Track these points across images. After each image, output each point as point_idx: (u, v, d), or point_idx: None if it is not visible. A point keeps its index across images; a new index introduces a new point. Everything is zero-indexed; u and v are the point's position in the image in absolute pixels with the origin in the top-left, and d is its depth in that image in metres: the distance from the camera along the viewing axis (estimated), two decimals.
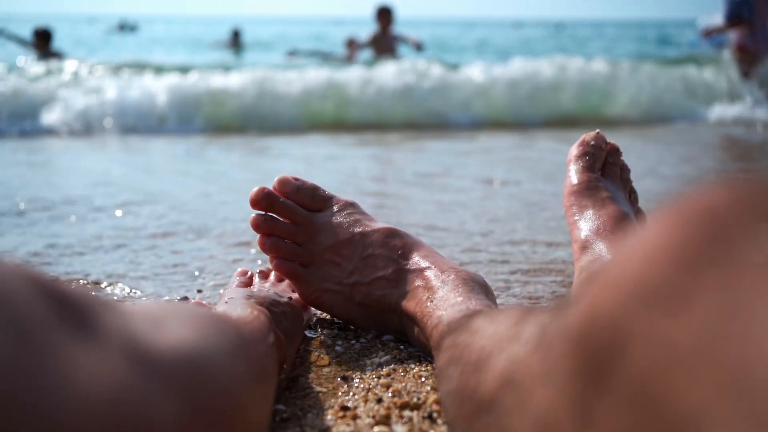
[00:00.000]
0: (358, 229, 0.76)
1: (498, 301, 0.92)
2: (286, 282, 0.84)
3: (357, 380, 0.66)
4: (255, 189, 0.76)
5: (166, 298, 0.95)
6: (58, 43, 6.58)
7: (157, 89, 3.68)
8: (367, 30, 6.17)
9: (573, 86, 4.22)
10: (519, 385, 0.35)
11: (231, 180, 2.11)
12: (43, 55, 5.65)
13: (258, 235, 0.77)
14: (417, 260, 0.73)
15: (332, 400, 0.62)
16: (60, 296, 0.30)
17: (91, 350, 0.29)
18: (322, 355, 0.72)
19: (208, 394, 0.38)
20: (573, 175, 0.85)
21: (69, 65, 4.21)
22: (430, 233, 1.33)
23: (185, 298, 0.95)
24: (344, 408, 0.60)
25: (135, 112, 3.50)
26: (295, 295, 0.79)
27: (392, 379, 0.66)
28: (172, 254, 1.18)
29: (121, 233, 1.33)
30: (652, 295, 0.25)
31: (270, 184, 0.77)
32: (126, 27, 25.86)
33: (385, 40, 5.73)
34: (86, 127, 3.37)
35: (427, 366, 0.69)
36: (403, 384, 0.65)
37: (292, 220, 0.77)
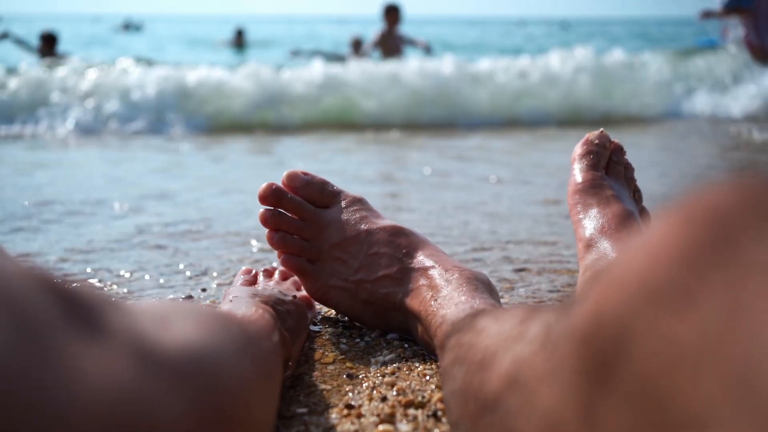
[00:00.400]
0: (364, 227, 0.76)
1: (503, 300, 0.92)
2: (291, 280, 0.84)
3: (361, 378, 0.66)
4: (263, 185, 0.76)
5: (171, 296, 0.96)
6: (65, 44, 6.60)
7: (158, 88, 3.68)
8: (372, 30, 6.16)
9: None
10: (524, 385, 0.35)
11: (236, 178, 2.11)
12: (49, 57, 5.66)
13: (266, 231, 0.78)
14: (421, 259, 0.73)
15: (337, 398, 0.62)
16: (65, 295, 0.30)
17: (96, 349, 0.29)
18: (326, 353, 0.72)
19: (214, 393, 0.38)
20: (577, 173, 0.85)
21: (71, 65, 4.21)
22: (434, 235, 1.33)
23: (190, 297, 0.95)
24: (349, 406, 0.60)
25: (136, 112, 3.50)
26: (300, 294, 0.80)
27: (397, 377, 0.66)
28: (177, 253, 1.18)
29: (125, 232, 1.33)
30: (657, 294, 0.25)
31: (277, 182, 0.78)
32: (131, 26, 25.90)
33: (392, 40, 5.70)
34: (87, 127, 3.37)
35: (431, 364, 0.69)
36: (408, 382, 0.65)
37: (299, 215, 0.77)
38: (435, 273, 0.70)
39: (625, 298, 0.26)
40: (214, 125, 3.52)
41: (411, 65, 4.17)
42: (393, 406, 0.59)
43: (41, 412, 0.24)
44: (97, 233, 1.33)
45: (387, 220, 0.78)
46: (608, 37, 19.31)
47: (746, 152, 2.75)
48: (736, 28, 4.72)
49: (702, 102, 4.16)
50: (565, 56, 4.41)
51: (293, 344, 0.67)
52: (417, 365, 0.69)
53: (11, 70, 3.92)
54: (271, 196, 0.76)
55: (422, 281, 0.70)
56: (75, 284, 0.32)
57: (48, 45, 5.95)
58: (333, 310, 0.85)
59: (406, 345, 0.74)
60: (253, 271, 0.84)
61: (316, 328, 0.79)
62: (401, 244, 0.75)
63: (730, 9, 4.50)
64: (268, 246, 1.22)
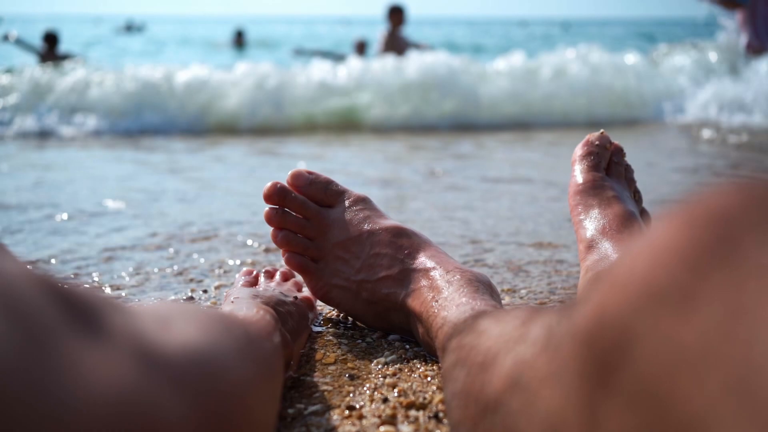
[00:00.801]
0: (366, 227, 0.76)
1: (504, 301, 0.92)
2: (292, 281, 0.84)
3: (363, 379, 0.66)
4: (268, 183, 0.77)
5: (172, 298, 0.96)
6: (67, 45, 6.60)
7: (160, 88, 3.68)
8: (374, 31, 6.15)
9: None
10: (526, 387, 0.35)
11: (237, 179, 2.11)
12: (50, 59, 5.65)
13: (271, 229, 0.78)
14: (423, 260, 0.73)
15: (338, 400, 0.62)
16: (67, 297, 0.30)
17: (98, 350, 0.29)
18: (327, 354, 0.72)
19: (216, 394, 0.38)
20: (578, 174, 0.85)
21: (71, 66, 4.21)
22: (435, 235, 1.33)
23: (191, 299, 0.95)
24: (350, 408, 0.60)
25: (138, 112, 3.50)
26: (301, 295, 0.80)
27: (398, 378, 0.66)
28: (177, 254, 1.18)
29: (125, 234, 1.33)
30: (659, 296, 0.25)
31: (282, 181, 0.79)
32: (133, 27, 25.92)
33: (396, 41, 5.68)
34: (88, 129, 3.37)
35: (433, 365, 0.69)
36: (409, 384, 0.65)
37: (303, 214, 0.78)
38: (436, 274, 0.70)
39: (627, 300, 0.26)
40: (214, 126, 3.51)
41: (415, 62, 4.14)
42: (394, 408, 0.59)
43: (42, 414, 0.24)
44: (98, 234, 1.33)
45: (390, 221, 0.78)
46: (608, 37, 19.29)
47: (692, 156, 2.75)
48: (739, 35, 4.68)
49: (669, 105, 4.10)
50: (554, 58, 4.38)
51: (294, 345, 0.67)
52: (418, 366, 0.69)
53: (10, 70, 3.93)
54: (276, 195, 0.77)
55: (423, 282, 0.70)
56: (76, 286, 0.32)
57: (50, 46, 5.95)
58: (334, 311, 0.85)
59: (407, 346, 0.74)
60: (254, 272, 0.84)
61: (317, 329, 0.79)
62: (403, 245, 0.75)
63: (726, 1, 4.48)
64: (267, 247, 1.22)
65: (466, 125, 3.69)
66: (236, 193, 1.83)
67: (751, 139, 3.06)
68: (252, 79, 3.81)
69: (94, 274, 1.07)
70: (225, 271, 1.08)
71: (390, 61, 4.10)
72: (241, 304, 0.65)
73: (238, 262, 1.13)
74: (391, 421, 0.57)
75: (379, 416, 0.58)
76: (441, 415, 0.58)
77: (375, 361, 0.70)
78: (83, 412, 0.26)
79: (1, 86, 3.66)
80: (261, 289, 0.76)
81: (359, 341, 0.76)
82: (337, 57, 6.41)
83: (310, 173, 0.79)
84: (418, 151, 2.86)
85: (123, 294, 0.98)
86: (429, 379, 0.66)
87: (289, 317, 0.69)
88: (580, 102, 4.03)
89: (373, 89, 3.84)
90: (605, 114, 3.95)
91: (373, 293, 0.74)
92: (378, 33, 5.98)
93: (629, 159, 0.90)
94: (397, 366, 0.69)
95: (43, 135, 3.28)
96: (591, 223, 0.79)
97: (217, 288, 0.99)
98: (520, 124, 3.77)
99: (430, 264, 0.72)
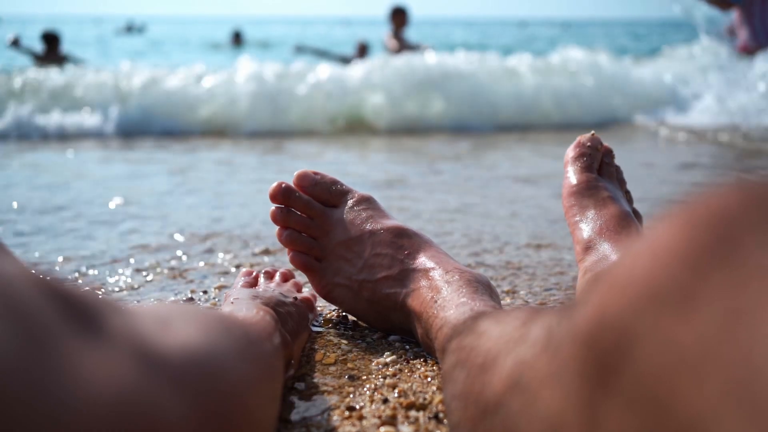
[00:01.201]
0: (368, 227, 0.77)
1: (504, 302, 0.92)
2: (291, 282, 0.84)
3: (363, 380, 0.66)
4: (274, 183, 0.79)
5: (172, 299, 0.96)
6: (68, 45, 6.54)
7: (161, 90, 3.68)
8: (372, 31, 6.14)
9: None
10: (526, 388, 0.35)
11: (238, 181, 2.11)
12: (50, 60, 5.59)
13: (276, 229, 0.80)
14: (422, 260, 0.73)
15: (338, 400, 0.62)
16: (66, 298, 0.30)
17: (97, 351, 0.29)
18: (328, 354, 0.72)
19: (216, 395, 0.38)
20: (572, 175, 0.85)
21: (71, 68, 4.21)
22: (436, 236, 1.33)
23: (191, 299, 0.95)
24: (350, 408, 0.60)
25: (139, 112, 3.50)
26: (300, 295, 0.80)
27: (398, 379, 0.66)
28: (178, 255, 1.18)
29: (126, 235, 1.33)
30: (659, 297, 0.25)
31: (288, 181, 0.80)
32: (133, 28, 25.91)
33: (398, 43, 5.65)
34: (88, 130, 3.37)
35: (433, 366, 0.69)
36: (410, 384, 0.64)
37: (307, 214, 0.79)
38: (435, 274, 0.70)
39: (627, 301, 0.26)
40: (214, 127, 3.51)
41: (416, 63, 4.12)
42: (394, 408, 0.59)
43: (42, 414, 0.24)
44: (98, 236, 1.33)
45: (392, 221, 0.78)
46: (609, 38, 19.29)
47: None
48: (733, 40, 4.66)
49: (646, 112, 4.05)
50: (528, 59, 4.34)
51: (294, 346, 0.67)
52: (418, 367, 0.69)
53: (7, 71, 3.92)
54: (281, 195, 0.79)
55: (423, 282, 0.71)
56: (75, 287, 0.32)
57: (51, 46, 5.85)
58: (334, 312, 0.85)
59: (407, 346, 0.74)
60: (254, 273, 0.84)
61: (317, 329, 0.79)
62: (403, 245, 0.75)
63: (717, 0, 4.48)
64: (267, 248, 1.22)
65: (466, 126, 3.69)
66: (237, 193, 1.83)
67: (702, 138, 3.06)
68: (252, 80, 3.81)
69: (94, 275, 1.07)
70: (225, 272, 1.08)
71: (392, 62, 4.08)
72: (241, 305, 0.65)
73: (238, 263, 1.13)
74: (391, 421, 0.57)
75: (379, 417, 0.58)
76: (441, 415, 0.58)
77: (375, 361, 0.70)
78: (83, 413, 0.26)
79: None
80: (261, 289, 0.76)
81: (359, 341, 0.76)
82: (337, 58, 6.37)
83: (315, 174, 0.80)
84: (419, 152, 2.86)
85: (123, 295, 0.98)
86: (429, 379, 0.66)
87: (289, 318, 0.69)
88: (583, 103, 4.02)
89: (373, 90, 3.84)
90: (605, 114, 3.95)
91: (374, 293, 0.75)
92: (384, 35, 5.96)
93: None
94: (397, 366, 0.69)
95: (43, 136, 3.28)
96: (587, 224, 0.79)
97: (217, 289, 0.99)
98: (520, 125, 3.76)
99: (429, 264, 0.72)
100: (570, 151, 0.87)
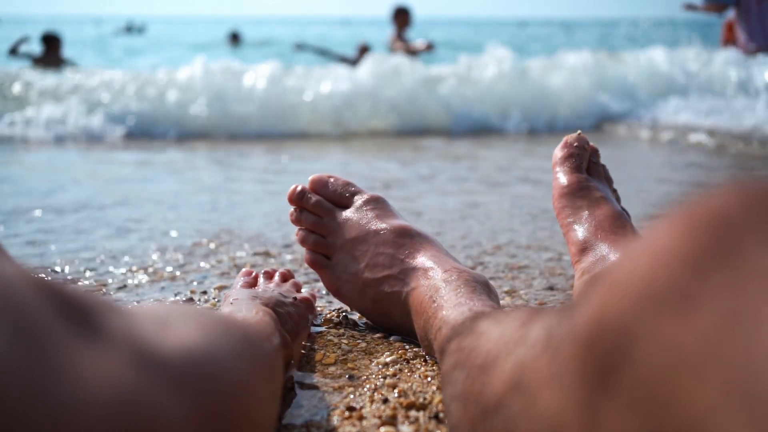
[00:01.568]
0: (372, 227, 0.78)
1: (503, 303, 0.92)
2: (291, 282, 0.84)
3: (363, 380, 0.66)
4: (291, 187, 0.84)
5: (172, 299, 0.96)
6: (68, 46, 6.47)
7: (162, 91, 3.68)
8: (376, 32, 6.12)
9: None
10: (526, 389, 0.35)
11: (238, 182, 2.11)
12: (51, 62, 5.50)
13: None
14: (422, 260, 0.73)
15: (338, 400, 0.62)
16: (64, 298, 0.30)
17: (96, 352, 0.29)
18: (327, 354, 0.72)
19: (215, 395, 0.38)
20: (561, 177, 0.84)
21: (72, 70, 4.19)
22: (436, 236, 1.33)
23: (190, 300, 0.95)
24: (350, 408, 0.60)
25: (139, 113, 3.50)
26: (300, 295, 0.80)
27: (398, 379, 0.66)
28: (177, 256, 1.18)
29: (126, 236, 1.33)
30: (659, 297, 0.25)
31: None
32: (133, 29, 25.88)
33: (402, 44, 5.61)
34: (89, 132, 3.37)
35: (433, 366, 0.69)
36: (410, 384, 0.64)
37: (318, 214, 0.82)
38: (434, 274, 0.71)
39: (627, 302, 0.26)
40: (213, 129, 3.50)
41: (414, 64, 4.12)
42: (394, 408, 0.59)
43: (42, 414, 0.24)
44: (98, 236, 1.33)
45: (398, 220, 0.79)
46: (608, 38, 19.27)
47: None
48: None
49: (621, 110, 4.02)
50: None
51: (294, 346, 0.67)
52: (419, 367, 0.69)
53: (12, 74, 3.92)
54: (296, 197, 0.83)
55: (422, 281, 0.71)
56: (74, 288, 0.32)
57: (52, 48, 5.71)
58: (334, 312, 0.86)
59: (407, 346, 0.74)
60: (254, 273, 0.84)
61: (317, 329, 0.80)
62: (405, 245, 0.75)
63: (711, 4, 4.48)
64: (267, 249, 1.22)
65: (467, 126, 3.68)
66: (237, 194, 1.83)
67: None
68: (252, 81, 3.80)
69: (94, 276, 1.07)
70: (225, 273, 1.08)
71: (393, 62, 4.08)
72: (241, 305, 0.65)
73: (238, 263, 1.13)
74: (392, 421, 0.57)
75: (380, 417, 0.58)
76: (441, 415, 0.58)
77: (375, 361, 0.70)
78: (83, 413, 0.26)
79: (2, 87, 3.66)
80: (260, 290, 0.76)
81: (359, 341, 0.76)
82: (338, 58, 6.31)
83: (329, 177, 0.84)
84: (420, 153, 2.86)
85: (123, 295, 0.98)
86: (429, 379, 0.66)
87: (289, 318, 0.69)
88: (579, 103, 4.02)
89: (373, 91, 3.83)
90: (601, 114, 3.94)
91: (376, 291, 0.76)
92: (388, 36, 5.93)
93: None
94: (398, 366, 0.69)
95: (43, 136, 3.28)
96: (582, 225, 0.79)
97: (217, 289, 0.99)
98: (520, 125, 3.76)
99: (428, 264, 0.72)
100: (558, 152, 0.87)
